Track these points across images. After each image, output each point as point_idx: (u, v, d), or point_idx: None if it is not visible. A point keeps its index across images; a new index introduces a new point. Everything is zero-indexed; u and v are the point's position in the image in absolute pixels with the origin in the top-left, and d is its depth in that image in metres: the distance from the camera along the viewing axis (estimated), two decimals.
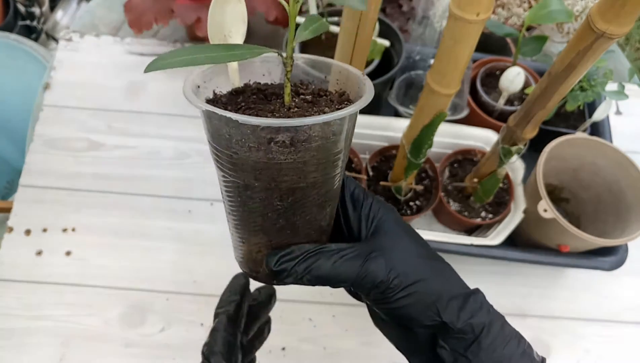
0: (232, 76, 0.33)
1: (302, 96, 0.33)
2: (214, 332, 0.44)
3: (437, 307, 0.31)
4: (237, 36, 0.32)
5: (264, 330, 0.51)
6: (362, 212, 0.35)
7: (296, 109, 0.31)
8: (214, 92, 0.33)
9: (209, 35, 0.32)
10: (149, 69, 0.27)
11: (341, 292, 0.39)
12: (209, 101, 0.33)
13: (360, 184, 0.37)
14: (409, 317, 0.31)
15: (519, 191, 0.74)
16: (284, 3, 0.29)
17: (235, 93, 0.33)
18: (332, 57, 0.57)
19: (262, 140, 0.28)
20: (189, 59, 0.27)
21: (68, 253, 0.78)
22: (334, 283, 0.32)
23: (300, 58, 0.35)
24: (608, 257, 0.69)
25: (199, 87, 0.33)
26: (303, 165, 0.29)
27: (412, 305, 0.31)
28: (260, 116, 0.29)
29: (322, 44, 0.80)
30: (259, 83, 0.35)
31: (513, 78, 0.76)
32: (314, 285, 0.32)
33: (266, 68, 0.36)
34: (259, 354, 0.72)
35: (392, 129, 0.77)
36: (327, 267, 0.31)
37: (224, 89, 0.34)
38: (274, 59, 0.35)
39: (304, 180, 0.30)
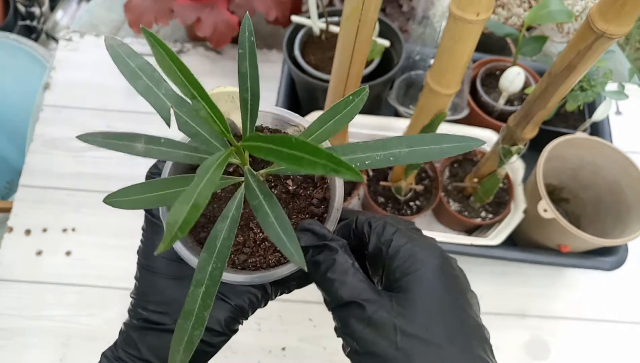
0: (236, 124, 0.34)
1: (285, 182, 0.34)
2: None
3: None
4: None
5: None
6: (396, 261, 0.29)
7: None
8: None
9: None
10: (106, 200, 0.27)
11: None
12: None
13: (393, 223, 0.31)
14: None
15: (519, 191, 0.74)
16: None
17: None
18: (332, 57, 0.57)
19: None
20: (138, 199, 0.27)
21: (68, 253, 0.78)
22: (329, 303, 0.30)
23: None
24: (608, 257, 0.69)
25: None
26: None
27: None
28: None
29: (323, 44, 0.80)
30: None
31: (513, 78, 0.76)
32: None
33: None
34: (259, 354, 0.72)
35: (392, 129, 0.77)
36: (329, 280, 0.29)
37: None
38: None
39: None
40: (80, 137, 0.27)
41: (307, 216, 0.33)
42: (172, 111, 0.29)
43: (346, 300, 0.28)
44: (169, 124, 0.29)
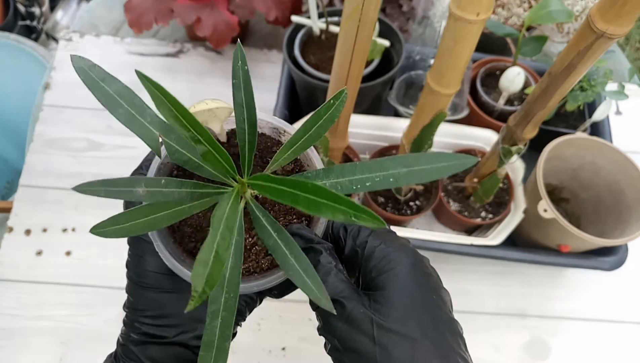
0: (220, 135, 0.34)
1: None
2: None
3: None
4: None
5: None
6: (371, 261, 0.30)
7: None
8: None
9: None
10: (93, 231, 0.27)
11: None
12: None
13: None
14: None
15: (519, 191, 0.74)
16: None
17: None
18: (332, 57, 0.57)
19: None
20: (126, 227, 0.27)
21: (68, 253, 0.78)
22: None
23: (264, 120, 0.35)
24: (608, 257, 0.69)
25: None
26: None
27: None
28: None
29: (323, 44, 0.80)
30: None
31: (513, 78, 0.76)
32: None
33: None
34: (259, 354, 0.72)
35: (392, 129, 0.77)
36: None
37: None
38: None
39: None
40: (77, 189, 0.26)
41: (293, 217, 0.33)
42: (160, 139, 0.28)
43: None
44: (159, 155, 0.29)
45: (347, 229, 0.32)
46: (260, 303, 0.36)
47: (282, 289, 0.35)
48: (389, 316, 0.27)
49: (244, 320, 0.35)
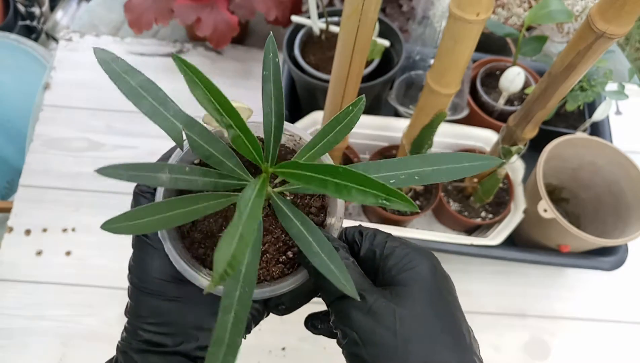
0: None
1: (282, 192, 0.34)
2: None
3: None
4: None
5: None
6: (391, 259, 0.30)
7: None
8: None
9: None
10: (104, 227, 0.27)
11: None
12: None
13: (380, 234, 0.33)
14: None
15: (519, 191, 0.73)
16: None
17: None
18: (332, 57, 0.57)
19: None
20: (139, 224, 0.26)
21: (68, 253, 0.78)
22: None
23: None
24: (608, 257, 0.69)
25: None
26: None
27: None
28: None
29: (323, 44, 0.80)
30: None
31: (513, 78, 0.76)
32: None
33: None
34: (259, 354, 0.72)
35: (392, 129, 0.77)
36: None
37: None
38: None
39: None
40: (100, 171, 0.26)
41: None
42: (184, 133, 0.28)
43: None
44: (182, 147, 0.28)
45: (363, 233, 0.32)
46: (267, 316, 0.36)
47: (290, 304, 0.35)
48: (411, 310, 0.28)
49: (249, 332, 0.34)
